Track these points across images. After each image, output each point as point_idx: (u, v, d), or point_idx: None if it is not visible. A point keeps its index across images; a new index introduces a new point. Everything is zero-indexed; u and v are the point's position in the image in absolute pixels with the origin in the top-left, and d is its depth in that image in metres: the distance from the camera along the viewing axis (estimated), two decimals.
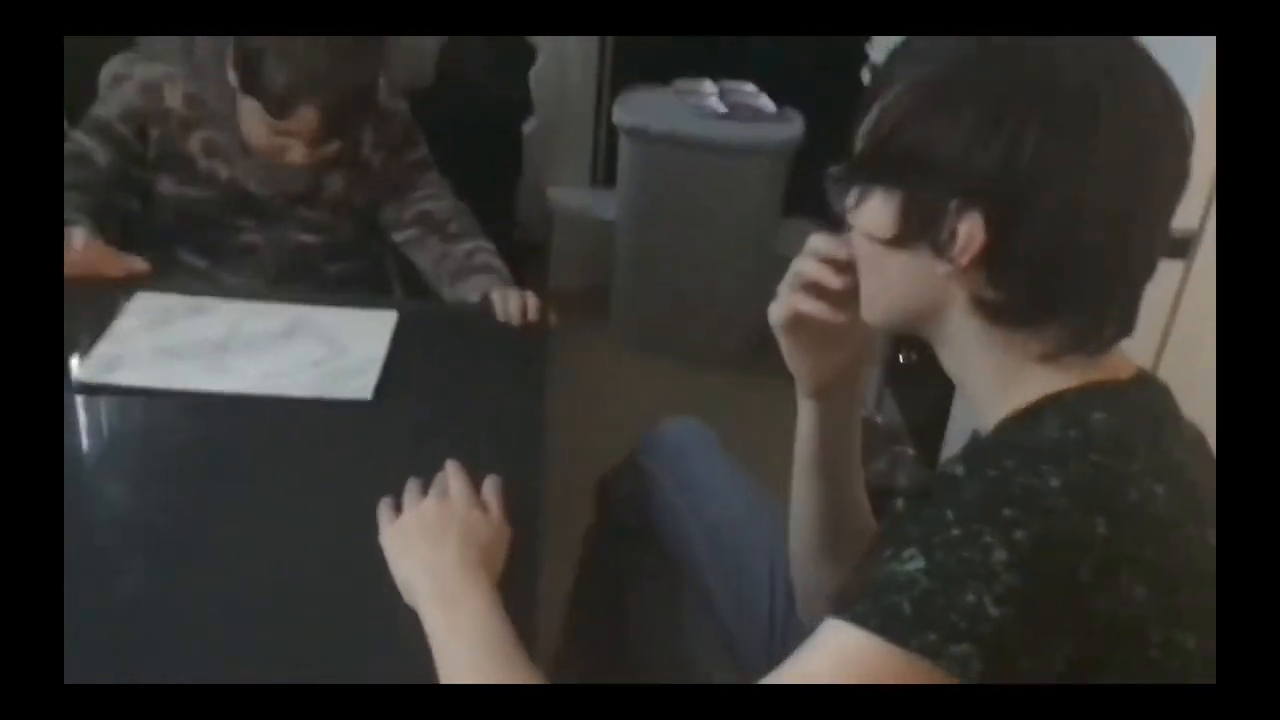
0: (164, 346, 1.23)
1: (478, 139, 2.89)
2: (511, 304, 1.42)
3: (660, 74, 2.84)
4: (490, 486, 1.02)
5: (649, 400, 2.50)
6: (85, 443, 1.14)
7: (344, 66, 1.43)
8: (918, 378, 2.31)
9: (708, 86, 2.81)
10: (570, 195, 3.09)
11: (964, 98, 0.70)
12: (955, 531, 0.65)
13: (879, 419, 2.50)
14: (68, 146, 1.55)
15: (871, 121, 0.75)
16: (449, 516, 0.97)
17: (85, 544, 0.95)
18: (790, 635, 1.12)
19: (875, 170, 0.76)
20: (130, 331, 1.25)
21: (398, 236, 1.67)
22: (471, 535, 0.95)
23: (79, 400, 1.16)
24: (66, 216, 1.44)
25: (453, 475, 1.02)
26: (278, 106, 1.43)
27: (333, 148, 1.50)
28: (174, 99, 1.54)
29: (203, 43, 1.55)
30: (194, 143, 1.55)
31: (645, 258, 2.79)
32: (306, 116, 1.43)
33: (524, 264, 2.99)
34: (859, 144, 0.77)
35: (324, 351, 1.26)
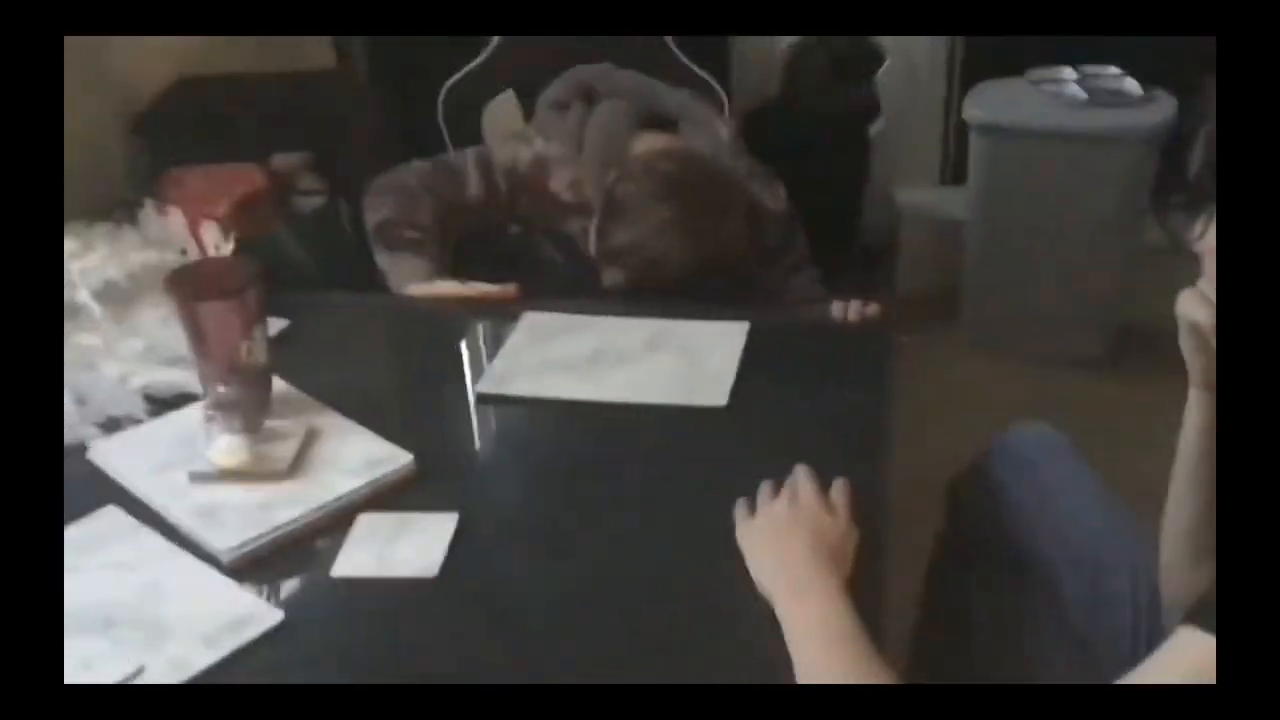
0: (547, 361, 1.39)
1: (825, 143, 2.94)
2: (851, 308, 1.47)
3: (1015, 65, 2.74)
4: (838, 490, 1.07)
5: (1001, 404, 2.43)
6: (483, 446, 1.32)
7: (670, 257, 1.51)
8: None
9: (1066, 73, 2.68)
10: (918, 195, 3.06)
11: None
12: None
13: None
14: (454, 158, 1.71)
15: (1205, 140, 0.74)
16: (799, 517, 1.03)
17: (475, 534, 1.09)
18: (1156, 645, 1.08)
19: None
20: (519, 348, 1.43)
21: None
22: (821, 535, 1.01)
23: (478, 409, 1.35)
24: (411, 223, 1.62)
25: (802, 479, 1.08)
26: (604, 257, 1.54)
27: None
28: (560, 183, 1.67)
29: (590, 147, 1.66)
30: (573, 225, 1.68)
31: (998, 257, 2.71)
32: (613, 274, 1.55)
33: (872, 267, 3.01)
34: (1194, 169, 0.76)
35: (683, 362, 1.36)
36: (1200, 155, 0.78)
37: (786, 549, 1.00)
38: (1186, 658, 0.66)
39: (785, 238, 1.72)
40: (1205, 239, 0.77)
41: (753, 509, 1.07)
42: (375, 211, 1.69)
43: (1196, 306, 0.83)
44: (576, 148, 1.68)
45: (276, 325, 1.41)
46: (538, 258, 1.74)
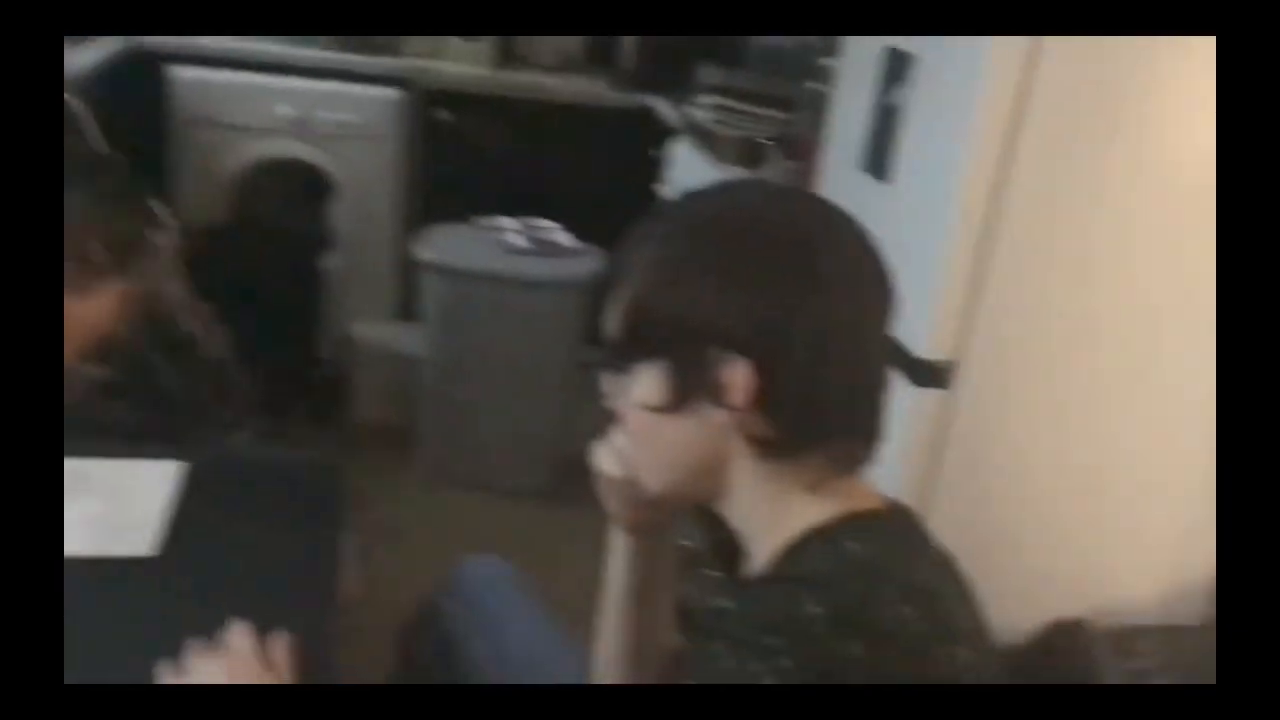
0: None
1: (276, 275, 2.87)
2: None
3: (461, 211, 2.90)
4: (276, 644, 1.00)
5: (454, 535, 2.47)
6: None
7: None
8: None
9: (507, 222, 2.88)
10: (373, 330, 3.09)
11: (697, 267, 0.79)
12: (727, 663, 0.69)
13: (684, 541, 2.55)
14: None
15: (619, 307, 0.82)
16: (231, 680, 0.94)
17: None
18: None
19: (633, 348, 0.82)
20: None
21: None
22: None
23: None
24: None
25: (236, 636, 0.99)
26: None
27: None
28: None
29: None
30: None
31: (449, 392, 2.80)
32: None
33: (327, 399, 2.95)
34: (612, 328, 0.83)
35: (103, 506, 1.21)
36: (611, 314, 0.85)
37: None
38: None
39: (221, 386, 1.65)
40: (626, 390, 0.83)
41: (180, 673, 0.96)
42: None
43: (607, 459, 0.91)
44: None
45: None
46: None
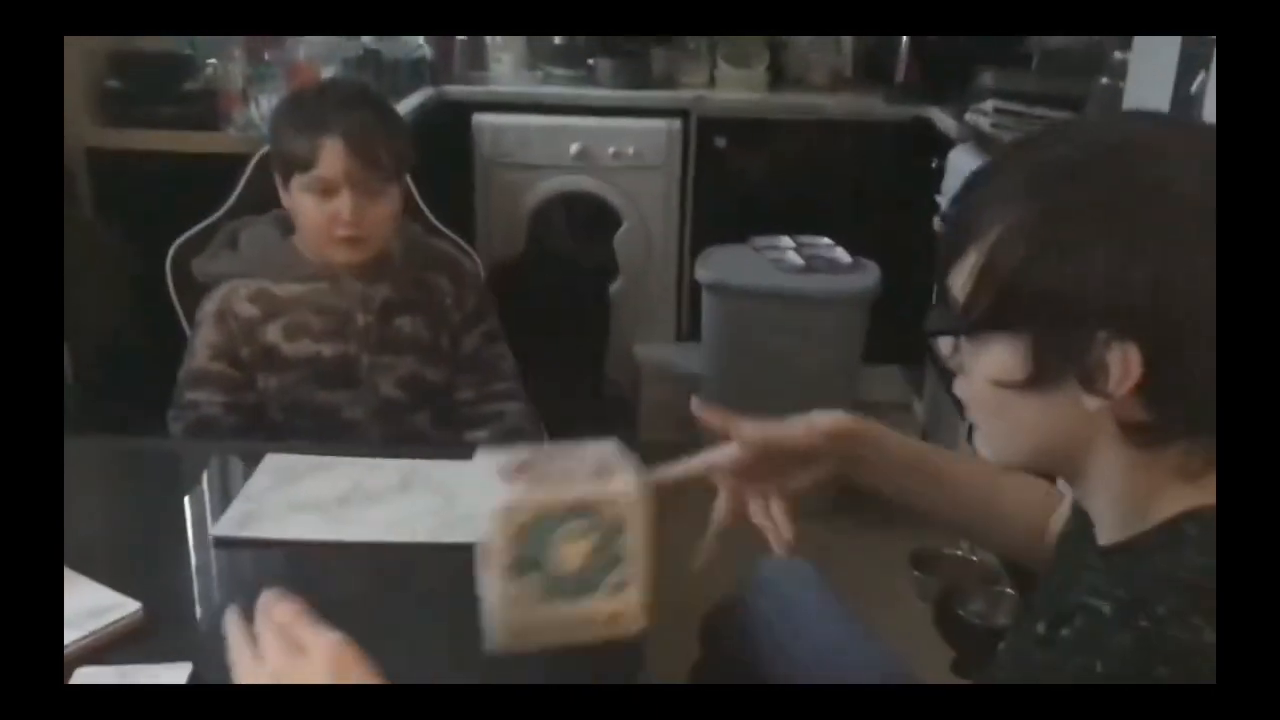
0: (293, 502, 1.33)
1: (567, 301, 3.05)
2: None
3: (737, 233, 2.98)
4: None
5: (738, 547, 2.52)
6: (222, 592, 1.23)
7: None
8: None
9: (785, 241, 2.93)
10: (656, 351, 3.21)
11: (1090, 227, 0.66)
12: (1118, 635, 0.64)
13: (975, 557, 2.48)
14: (189, 415, 1.60)
15: (978, 269, 0.71)
16: None
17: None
18: None
19: (997, 318, 0.71)
20: (262, 489, 1.35)
21: (471, 435, 1.67)
22: None
23: (217, 554, 1.26)
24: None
25: None
26: (305, 153, 1.53)
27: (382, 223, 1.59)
28: (242, 307, 1.62)
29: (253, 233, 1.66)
30: (272, 333, 1.62)
31: (731, 408, 2.85)
32: (331, 157, 1.52)
33: (613, 419, 3.09)
34: (964, 293, 0.73)
35: (439, 501, 1.34)
36: (960, 277, 0.73)
37: None
38: None
39: (481, 300, 1.75)
40: (974, 359, 0.74)
41: None
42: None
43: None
44: (231, 249, 1.68)
45: None
46: (267, 398, 1.65)
